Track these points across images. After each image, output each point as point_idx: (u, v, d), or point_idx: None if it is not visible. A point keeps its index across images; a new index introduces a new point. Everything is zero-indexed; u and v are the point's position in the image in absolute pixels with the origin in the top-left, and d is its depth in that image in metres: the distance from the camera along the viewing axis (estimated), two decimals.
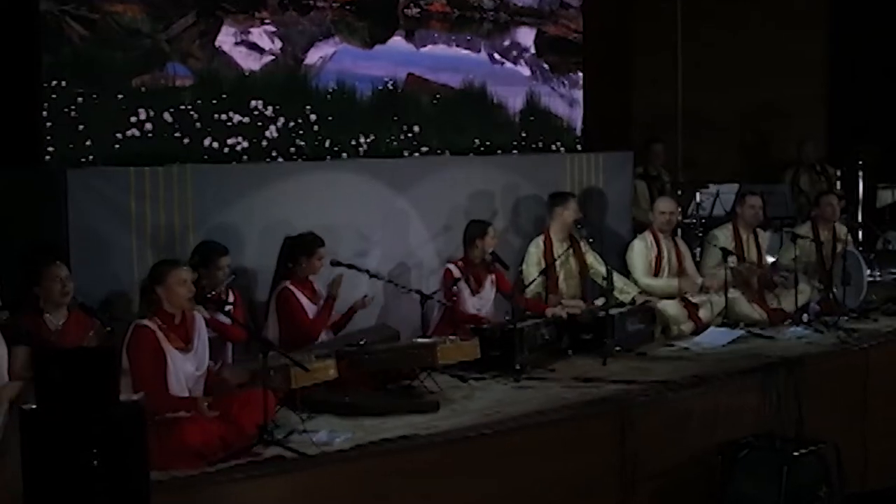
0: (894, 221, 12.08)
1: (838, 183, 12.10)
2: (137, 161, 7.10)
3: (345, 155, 8.46)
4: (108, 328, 5.90)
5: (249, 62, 8.00)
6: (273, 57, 8.13)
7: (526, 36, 9.93)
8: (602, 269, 8.30)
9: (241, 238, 7.32)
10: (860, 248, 10.30)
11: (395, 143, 8.82)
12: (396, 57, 8.92)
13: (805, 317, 8.82)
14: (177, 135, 7.52)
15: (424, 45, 9.14)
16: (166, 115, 7.47)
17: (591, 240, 8.70)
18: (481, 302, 8.06)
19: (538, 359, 7.52)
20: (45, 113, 6.96)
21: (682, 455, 6.77)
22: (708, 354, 7.91)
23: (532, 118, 9.91)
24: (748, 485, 6.75)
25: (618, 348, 7.82)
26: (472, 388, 7.00)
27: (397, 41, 8.95)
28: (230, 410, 5.75)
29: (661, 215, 8.88)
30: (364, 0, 8.68)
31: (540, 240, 8.58)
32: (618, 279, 8.35)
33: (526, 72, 9.95)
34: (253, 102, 7.95)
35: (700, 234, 10.28)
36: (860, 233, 11.86)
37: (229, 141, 7.81)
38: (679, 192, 10.90)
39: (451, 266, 7.99)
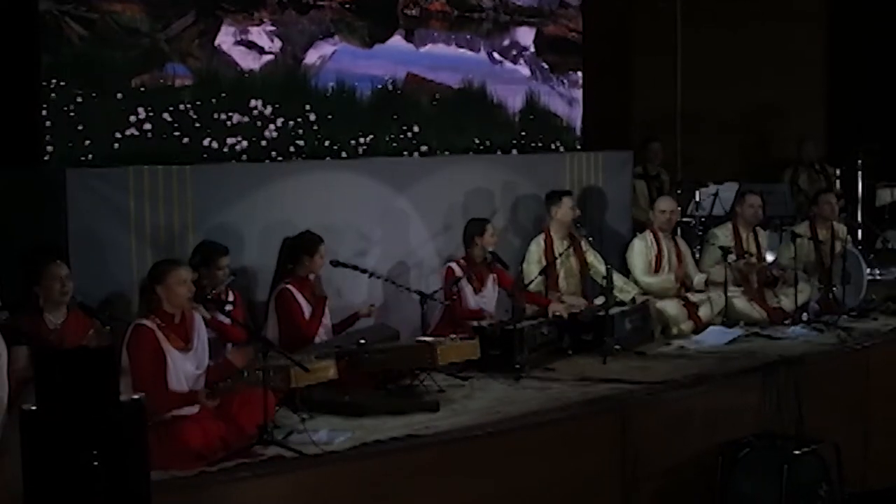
0: (893, 220, 12.09)
1: (837, 182, 12.10)
2: (137, 161, 7.09)
3: (344, 154, 8.46)
4: (108, 328, 5.90)
5: (249, 62, 7.99)
6: (272, 56, 8.12)
7: (525, 35, 9.93)
8: (602, 269, 8.30)
9: (241, 238, 7.31)
10: (859, 248, 10.30)
11: (394, 142, 8.82)
12: (396, 56, 8.92)
13: (805, 316, 8.83)
14: (176, 134, 7.51)
15: (424, 45, 9.14)
16: (165, 115, 7.46)
17: (590, 239, 8.71)
18: (484, 300, 8.06)
19: (538, 358, 7.52)
20: (44, 112, 6.95)
21: (682, 454, 6.77)
22: (708, 354, 7.91)
23: (531, 118, 9.91)
24: (748, 484, 6.75)
25: (617, 348, 7.81)
26: (472, 388, 6.99)
27: (397, 41, 8.95)
28: (230, 410, 5.75)
29: (662, 214, 8.88)
30: None
31: (541, 238, 8.58)
32: (617, 278, 8.35)
33: (525, 71, 9.95)
34: (252, 102, 7.95)
35: (700, 234, 10.28)
36: (859, 232, 11.86)
37: (229, 140, 7.80)
38: (678, 192, 10.90)
39: (453, 264, 7.99)
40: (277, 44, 8.15)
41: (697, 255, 9.45)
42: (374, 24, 8.78)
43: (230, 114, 7.81)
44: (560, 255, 8.47)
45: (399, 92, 8.90)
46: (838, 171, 12.18)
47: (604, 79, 11.28)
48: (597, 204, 9.65)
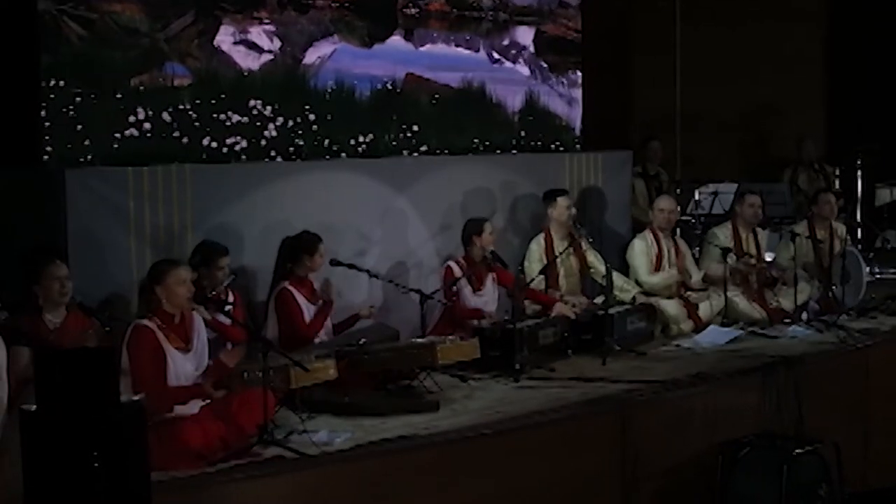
0: (893, 220, 12.09)
1: (837, 181, 12.10)
2: (136, 161, 7.08)
3: (344, 154, 8.45)
4: (107, 328, 5.90)
5: (248, 61, 7.98)
6: (272, 56, 8.12)
7: (525, 35, 9.92)
8: (602, 268, 8.29)
9: (240, 238, 7.31)
10: (859, 247, 10.30)
11: (394, 142, 8.82)
12: (395, 56, 8.91)
13: (804, 316, 8.83)
14: (175, 134, 7.50)
15: (423, 45, 9.14)
16: (165, 115, 7.45)
17: (590, 238, 8.70)
18: (483, 300, 8.06)
19: (538, 358, 7.51)
20: (43, 113, 6.94)
21: (682, 454, 6.77)
22: (708, 353, 7.91)
23: (531, 117, 9.90)
24: (748, 484, 6.75)
25: (617, 348, 7.81)
26: (472, 388, 6.99)
27: (396, 40, 8.94)
28: (230, 410, 5.74)
29: (661, 213, 8.87)
30: None
31: (541, 237, 8.58)
32: (617, 278, 8.34)
33: (525, 71, 9.94)
34: (252, 102, 7.94)
35: (699, 233, 10.27)
36: (859, 231, 11.86)
37: (228, 140, 7.79)
38: (678, 191, 10.90)
39: (452, 264, 7.98)
40: (277, 43, 8.15)
41: (697, 255, 9.45)
42: (373, 23, 8.77)
43: (229, 114, 7.80)
44: (560, 254, 8.46)
45: (398, 92, 8.90)
46: (837, 171, 12.18)
47: (603, 78, 11.28)
48: (596, 204, 9.64)
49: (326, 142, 8.36)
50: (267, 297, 7.14)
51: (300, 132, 8.21)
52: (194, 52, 7.68)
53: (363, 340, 6.79)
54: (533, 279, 8.17)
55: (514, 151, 9.69)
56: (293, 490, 5.42)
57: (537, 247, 8.54)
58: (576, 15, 10.34)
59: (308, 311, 7.05)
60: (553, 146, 10.08)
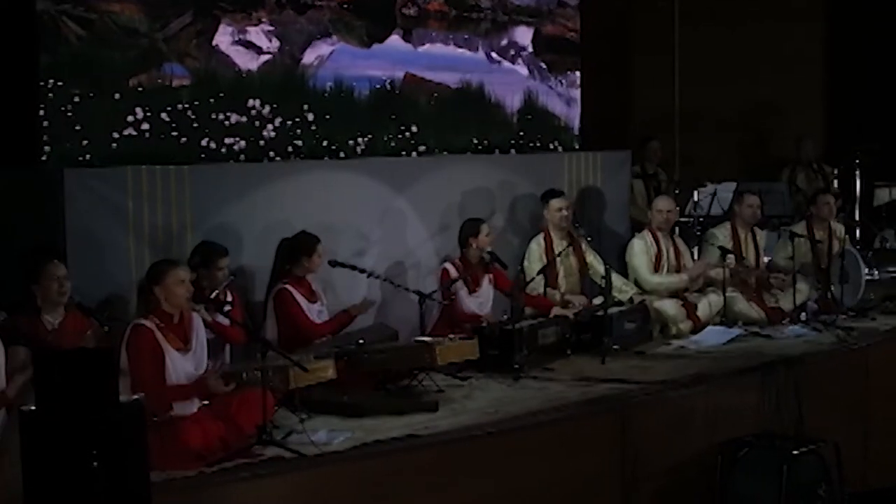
0: (891, 220, 12.09)
1: (835, 181, 12.10)
2: (135, 161, 7.07)
3: (342, 154, 8.45)
4: (106, 328, 5.89)
5: (247, 61, 7.98)
6: (270, 56, 8.11)
7: (523, 35, 9.92)
8: (601, 269, 8.28)
9: (239, 238, 7.30)
10: (857, 247, 10.30)
11: (392, 142, 8.81)
12: (394, 56, 8.91)
13: (803, 316, 8.82)
14: (174, 134, 7.50)
15: (422, 45, 9.13)
16: (163, 115, 7.44)
17: (589, 239, 8.70)
18: (479, 301, 8.04)
19: (537, 358, 7.51)
20: (42, 112, 6.93)
21: (681, 454, 6.76)
22: (707, 353, 7.90)
23: (530, 117, 9.90)
24: (748, 484, 6.75)
25: (616, 347, 7.81)
26: (472, 388, 6.99)
27: (395, 40, 8.94)
28: (229, 410, 5.74)
29: (660, 213, 8.86)
30: None
31: (540, 237, 8.57)
32: (616, 278, 8.34)
33: (524, 71, 9.94)
34: (250, 102, 7.93)
35: (698, 233, 10.27)
36: (858, 231, 11.86)
37: (227, 140, 7.78)
38: (676, 191, 10.89)
39: (448, 265, 7.97)
40: (275, 43, 8.14)
41: (696, 255, 9.44)
42: (372, 23, 8.77)
43: (228, 114, 7.79)
44: (559, 254, 8.46)
45: (397, 92, 8.89)
46: (836, 171, 12.19)
47: (602, 78, 11.28)
48: (595, 204, 9.64)
49: (325, 142, 8.36)
50: (265, 297, 7.13)
51: (299, 132, 8.20)
52: (193, 52, 7.67)
53: (362, 340, 6.78)
54: (533, 278, 8.16)
55: (513, 151, 9.69)
56: (292, 490, 5.42)
57: (537, 246, 8.54)
58: (575, 15, 10.34)
59: (308, 310, 7.04)
60: (552, 146, 10.08)
